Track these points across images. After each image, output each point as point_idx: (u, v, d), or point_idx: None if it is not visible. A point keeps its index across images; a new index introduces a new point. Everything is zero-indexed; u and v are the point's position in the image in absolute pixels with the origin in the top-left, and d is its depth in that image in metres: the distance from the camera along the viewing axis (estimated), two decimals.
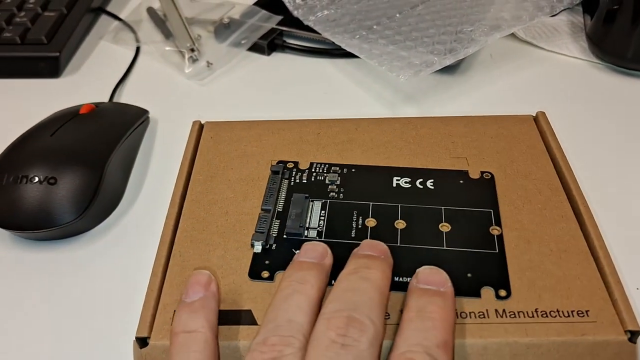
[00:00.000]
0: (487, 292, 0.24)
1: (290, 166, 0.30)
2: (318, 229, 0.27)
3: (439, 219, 0.27)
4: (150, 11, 0.48)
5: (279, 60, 0.44)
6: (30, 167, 0.31)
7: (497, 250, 0.25)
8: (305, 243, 0.25)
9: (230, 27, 0.45)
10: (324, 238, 0.26)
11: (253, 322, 0.23)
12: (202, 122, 0.34)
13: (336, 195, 0.28)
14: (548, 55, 0.43)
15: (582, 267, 0.25)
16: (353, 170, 0.30)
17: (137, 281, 0.26)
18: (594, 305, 0.23)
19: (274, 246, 0.26)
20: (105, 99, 0.40)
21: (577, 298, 0.24)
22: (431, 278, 0.23)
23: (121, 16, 0.49)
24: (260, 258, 0.26)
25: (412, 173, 0.29)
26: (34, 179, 0.30)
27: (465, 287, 0.24)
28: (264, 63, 0.44)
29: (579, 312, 0.23)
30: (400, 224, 0.27)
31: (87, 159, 0.32)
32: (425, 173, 0.29)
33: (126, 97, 0.41)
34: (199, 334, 0.21)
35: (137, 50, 0.45)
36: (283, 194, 0.29)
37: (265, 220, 0.27)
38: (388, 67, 0.37)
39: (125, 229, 0.31)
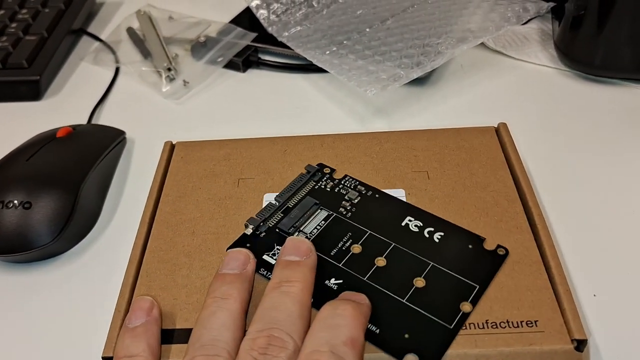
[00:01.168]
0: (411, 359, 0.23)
1: (327, 171, 0.32)
2: (308, 235, 0.28)
3: (419, 272, 0.26)
4: (130, 31, 0.49)
5: (254, 76, 0.45)
6: (6, 193, 0.31)
7: (451, 326, 0.24)
8: (229, 251, 0.27)
9: (206, 45, 0.46)
10: None
11: None
12: (174, 143, 0.35)
13: (345, 212, 0.29)
14: (518, 64, 0.43)
15: (534, 278, 0.25)
16: (377, 195, 0.30)
17: (110, 301, 0.27)
18: (543, 315, 0.24)
19: (262, 234, 0.28)
20: (85, 121, 0.41)
21: (527, 309, 0.24)
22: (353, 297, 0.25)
23: (102, 37, 0.50)
24: (245, 240, 0.28)
25: (427, 220, 0.28)
26: (10, 204, 0.31)
27: (392, 344, 0.23)
28: (239, 80, 0.44)
29: (528, 323, 0.24)
30: (381, 262, 0.27)
31: (62, 183, 0.33)
32: (440, 224, 0.28)
33: (105, 118, 0.42)
34: (140, 358, 0.23)
35: (117, 70, 0.46)
36: (302, 193, 0.30)
37: (269, 209, 0.29)
38: (356, 82, 0.38)
39: (100, 250, 0.32)
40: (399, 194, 0.30)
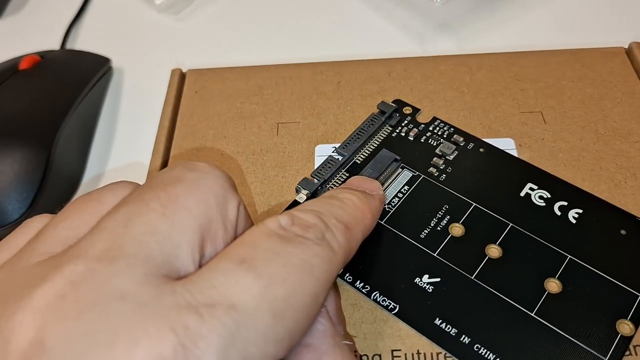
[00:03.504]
0: None
1: (408, 112, 0.23)
2: (386, 206, 0.20)
3: (552, 271, 0.18)
4: None
5: None
6: None
7: (606, 358, 0.16)
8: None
9: None
10: (384, 222, 0.20)
11: None
12: (184, 71, 0.27)
13: (437, 174, 0.21)
14: None
15: None
16: (481, 149, 0.22)
17: None
18: None
19: None
20: (56, 46, 0.33)
21: None
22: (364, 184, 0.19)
23: None
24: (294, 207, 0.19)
25: (557, 189, 0.20)
26: None
27: None
28: None
29: None
30: (494, 251, 0.19)
31: (29, 134, 0.25)
32: (576, 196, 0.20)
33: (82, 41, 0.33)
34: None
35: None
36: (375, 144, 0.22)
37: (329, 167, 0.21)
38: None
39: None
40: (507, 145, 0.22)
